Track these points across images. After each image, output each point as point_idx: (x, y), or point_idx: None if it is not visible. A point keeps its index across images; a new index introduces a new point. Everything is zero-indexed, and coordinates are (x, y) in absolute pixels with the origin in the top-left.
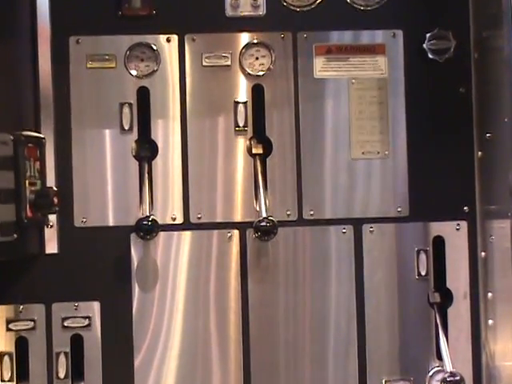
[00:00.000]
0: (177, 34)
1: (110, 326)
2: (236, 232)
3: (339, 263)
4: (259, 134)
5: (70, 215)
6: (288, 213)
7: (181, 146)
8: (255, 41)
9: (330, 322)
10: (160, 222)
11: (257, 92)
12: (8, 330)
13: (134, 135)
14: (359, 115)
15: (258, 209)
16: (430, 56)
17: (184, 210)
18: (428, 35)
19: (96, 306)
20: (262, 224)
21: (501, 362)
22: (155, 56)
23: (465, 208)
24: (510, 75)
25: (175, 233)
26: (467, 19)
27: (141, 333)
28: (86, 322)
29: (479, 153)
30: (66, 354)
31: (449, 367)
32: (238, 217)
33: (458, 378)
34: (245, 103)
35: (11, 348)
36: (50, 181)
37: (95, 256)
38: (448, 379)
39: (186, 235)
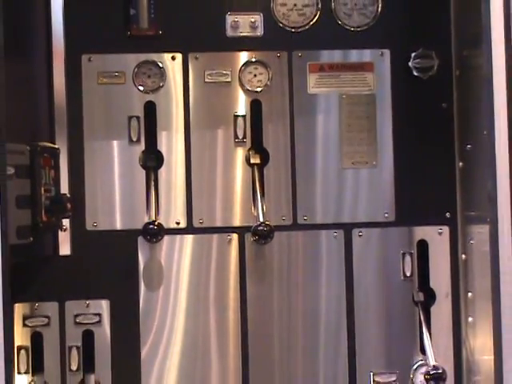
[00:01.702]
0: (181, 52)
1: (118, 322)
2: (235, 236)
3: (330, 265)
4: (257, 145)
5: (82, 220)
6: (283, 218)
7: (184, 156)
8: (253, 59)
9: (322, 319)
10: (165, 226)
11: (255, 106)
12: (24, 325)
13: (142, 146)
14: (349, 128)
15: (255, 214)
16: (415, 73)
17: (187, 215)
18: (413, 54)
19: (106, 303)
20: (259, 228)
21: (480, 356)
22: (161, 73)
23: (447, 214)
24: (488, 91)
25: (179, 236)
26: (449, 39)
27: (147, 329)
28: (97, 318)
29: (460, 163)
30: (77, 348)
31: (432, 361)
32: (237, 222)
33: (440, 371)
34: (244, 117)
35: (27, 342)
36: (64, 188)
37: (105, 257)
38: (431, 372)
39: (189, 238)
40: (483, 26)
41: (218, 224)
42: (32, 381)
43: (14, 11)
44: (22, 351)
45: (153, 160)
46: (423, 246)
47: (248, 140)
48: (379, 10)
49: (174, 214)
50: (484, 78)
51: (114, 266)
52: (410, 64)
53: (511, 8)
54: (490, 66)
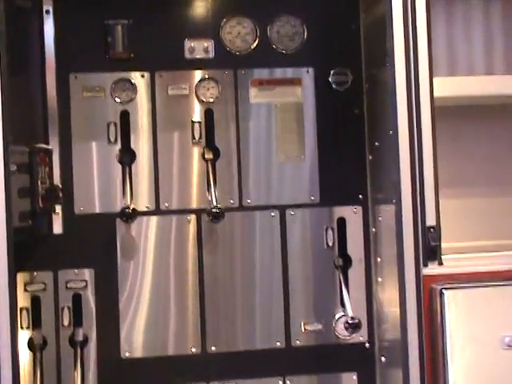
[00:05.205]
0: (149, 71)
1: (100, 286)
2: (193, 216)
3: (269, 237)
4: (210, 144)
5: (71, 205)
6: (231, 201)
7: (152, 154)
8: (206, 76)
9: (262, 280)
10: (138, 209)
11: (208, 114)
12: (25, 290)
13: (118, 146)
14: (282, 130)
15: (209, 199)
16: (334, 87)
17: (155, 200)
18: (332, 71)
19: (90, 272)
20: (212, 210)
21: (387, 308)
22: (133, 88)
23: (360, 196)
24: (392, 100)
25: (149, 217)
26: (360, 60)
27: (123, 291)
28: (84, 284)
29: (370, 156)
30: (68, 307)
31: (350, 313)
32: (194, 205)
33: (356, 320)
34: (199, 122)
35: (28, 304)
36: (56, 180)
37: (90, 235)
38: (349, 322)
39: (157, 219)
40: (388, 50)
41: (180, 207)
42: (32, 335)
43: (14, 39)
44: (24, 311)
45: (127, 157)
46: (342, 222)
47: (203, 140)
48: (305, 37)
49: (144, 199)
50: (388, 90)
51: (96, 242)
52: (329, 79)
53: (409, 35)
54: (393, 81)
